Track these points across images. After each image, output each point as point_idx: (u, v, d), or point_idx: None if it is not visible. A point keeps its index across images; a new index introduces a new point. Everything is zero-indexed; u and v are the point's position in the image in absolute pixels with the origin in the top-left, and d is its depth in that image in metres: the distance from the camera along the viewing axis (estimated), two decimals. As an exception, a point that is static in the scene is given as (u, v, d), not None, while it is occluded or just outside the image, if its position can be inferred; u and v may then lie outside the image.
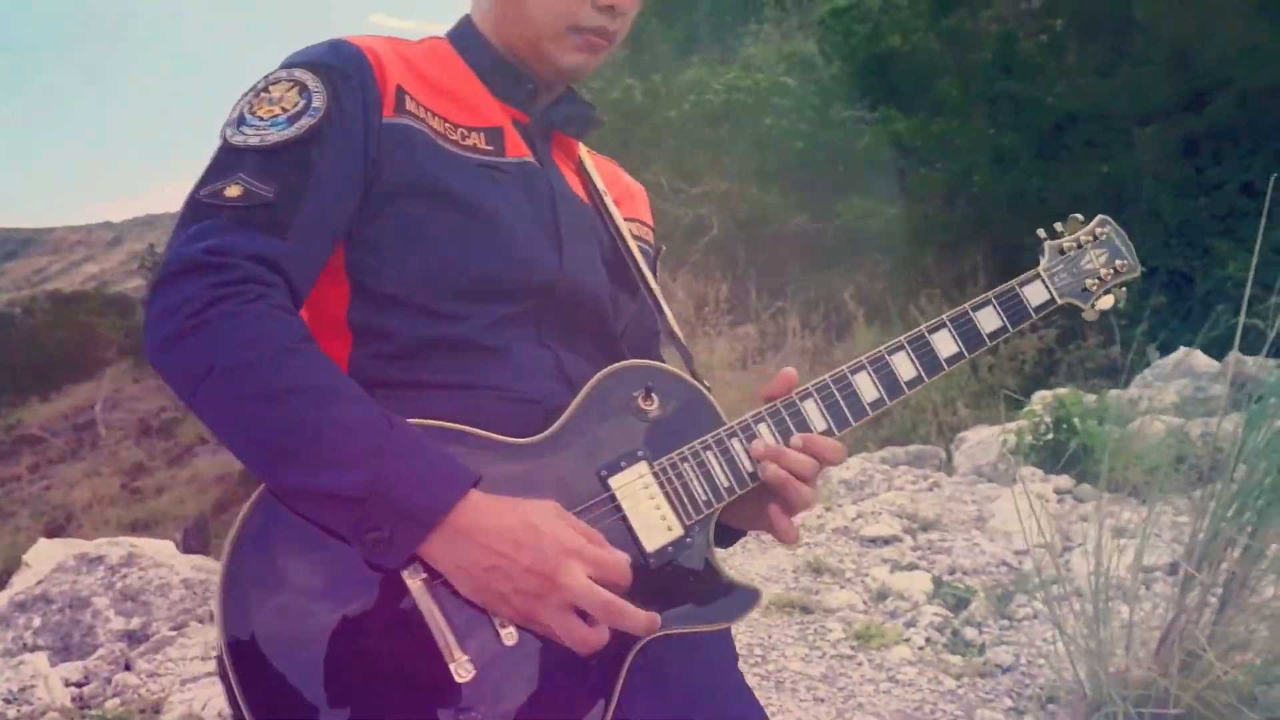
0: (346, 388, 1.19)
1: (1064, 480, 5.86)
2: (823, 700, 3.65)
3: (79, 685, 4.13)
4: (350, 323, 1.34)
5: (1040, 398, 6.47)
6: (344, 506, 1.14)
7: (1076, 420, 5.84)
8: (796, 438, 1.39)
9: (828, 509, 5.63)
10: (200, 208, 1.23)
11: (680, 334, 1.58)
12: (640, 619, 1.20)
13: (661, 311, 1.57)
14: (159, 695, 3.92)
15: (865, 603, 4.49)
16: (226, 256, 1.18)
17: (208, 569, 4.82)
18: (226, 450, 1.20)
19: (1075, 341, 9.58)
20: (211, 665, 4.11)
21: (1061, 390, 6.50)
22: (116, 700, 3.95)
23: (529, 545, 1.16)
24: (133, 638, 4.45)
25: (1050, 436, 6.01)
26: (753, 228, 15.68)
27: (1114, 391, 6.71)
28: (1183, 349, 7.91)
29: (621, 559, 1.22)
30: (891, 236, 14.88)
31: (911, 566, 4.86)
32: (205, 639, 4.39)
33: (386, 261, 1.33)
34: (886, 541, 5.19)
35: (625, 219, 1.60)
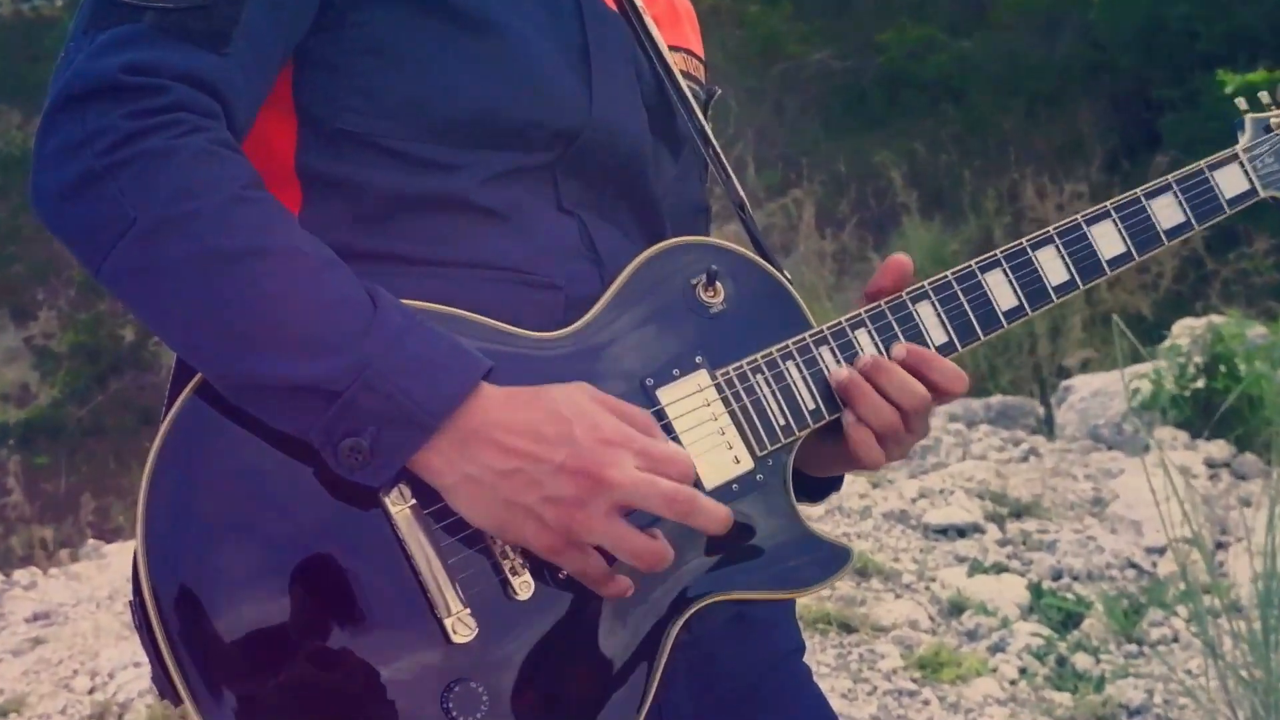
0: (314, 249, 1.36)
1: (1217, 448, 6.16)
2: (874, 752, 3.92)
3: None
4: (300, 171, 1.50)
5: (1186, 328, 6.73)
6: (313, 404, 1.31)
7: (1239, 361, 6.10)
8: (900, 347, 1.59)
9: (874, 484, 5.87)
10: (112, 8, 1.37)
11: (749, 207, 1.76)
12: (718, 512, 1.40)
13: (727, 175, 1.75)
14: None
15: (932, 618, 4.78)
16: (151, 76, 1.33)
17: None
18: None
19: (1235, 248, 9.87)
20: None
21: (1217, 318, 6.76)
22: None
23: (560, 439, 1.34)
24: None
25: (1199, 384, 6.29)
26: (753, 68, 15.76)
27: (1292, 321, 6.98)
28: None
29: (679, 450, 1.40)
30: (963, 84, 15.04)
31: (999, 568, 5.15)
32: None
33: (349, 87, 1.49)
34: (962, 532, 5.48)
35: (670, 47, 1.76)
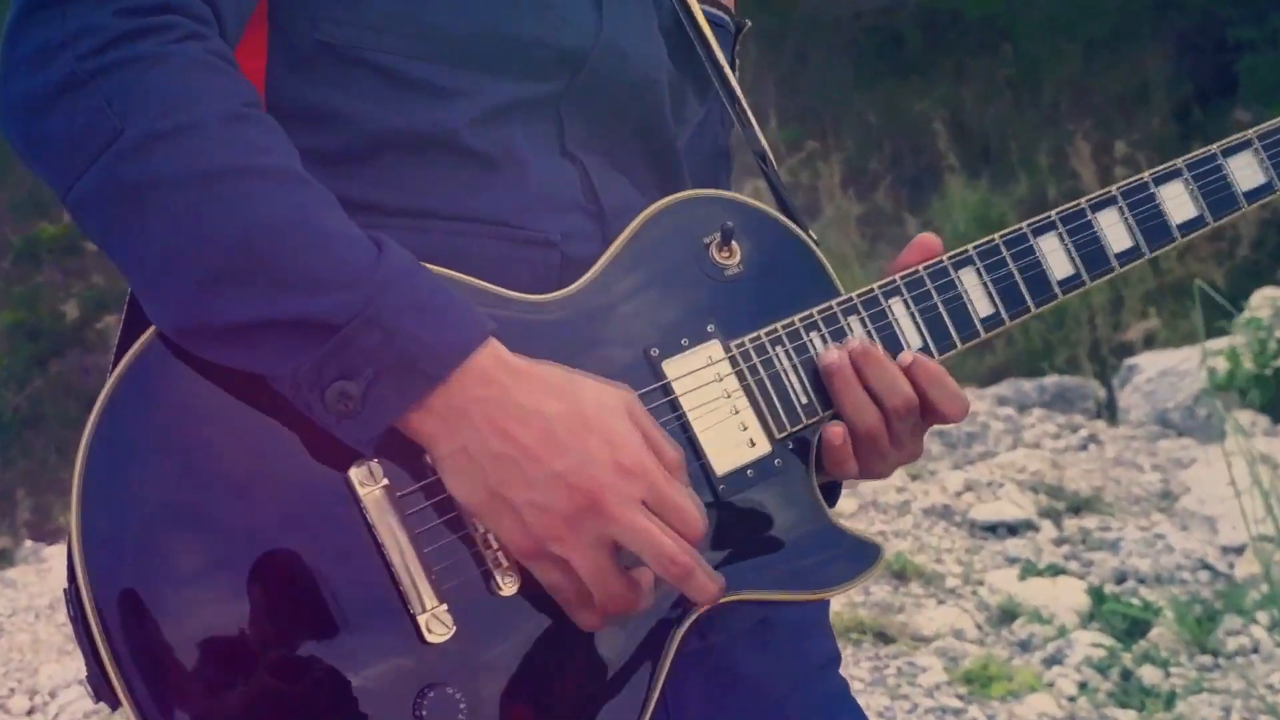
0: (315, 182, 1.36)
1: (1301, 434, 6.15)
2: (913, 777, 3.92)
3: None
4: (270, 96, 1.49)
5: (1266, 299, 6.71)
6: (305, 340, 1.29)
7: (1326, 335, 6.09)
8: (906, 354, 1.57)
9: (914, 476, 5.86)
10: None
11: (773, 158, 1.76)
12: (711, 588, 1.37)
13: (746, 121, 1.74)
14: None
15: (980, 627, 4.78)
16: None
17: None
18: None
19: (1321, 209, 9.86)
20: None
21: (1300, 287, 6.75)
22: None
23: (570, 446, 1.32)
24: None
25: (1281, 362, 6.28)
26: (774, 8, 15.75)
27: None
28: None
29: (693, 505, 1.36)
30: (1012, 24, 15.01)
31: (1055, 570, 5.14)
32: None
33: None
34: (1013, 530, 5.48)
35: None
